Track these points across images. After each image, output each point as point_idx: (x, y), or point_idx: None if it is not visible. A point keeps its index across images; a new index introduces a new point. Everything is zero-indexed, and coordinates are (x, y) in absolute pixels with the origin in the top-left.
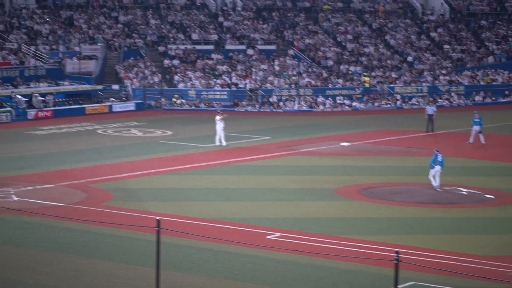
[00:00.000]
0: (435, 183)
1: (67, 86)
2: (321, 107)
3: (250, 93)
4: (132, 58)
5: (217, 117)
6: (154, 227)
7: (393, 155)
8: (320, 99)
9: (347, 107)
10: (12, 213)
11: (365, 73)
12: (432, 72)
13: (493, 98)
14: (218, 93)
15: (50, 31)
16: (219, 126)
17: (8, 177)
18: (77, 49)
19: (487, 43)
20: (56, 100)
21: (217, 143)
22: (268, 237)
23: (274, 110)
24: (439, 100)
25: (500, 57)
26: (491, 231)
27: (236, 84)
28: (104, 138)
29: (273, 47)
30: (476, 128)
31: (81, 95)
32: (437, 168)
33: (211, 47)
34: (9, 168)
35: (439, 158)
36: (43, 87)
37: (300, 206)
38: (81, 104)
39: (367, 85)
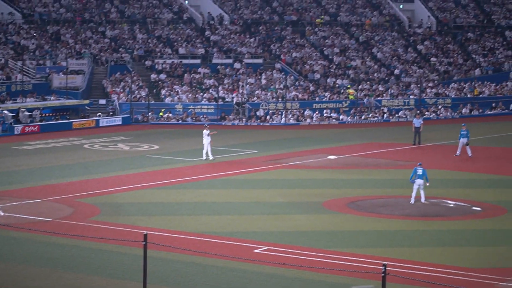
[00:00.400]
0: (422, 197)
1: (54, 101)
2: (308, 120)
3: (237, 107)
4: (119, 72)
5: (204, 131)
6: (141, 242)
7: (380, 168)
8: (307, 112)
9: (334, 120)
10: None
11: (349, 86)
12: (419, 85)
13: (480, 111)
14: (205, 107)
15: (37, 46)
16: (206, 140)
17: None
18: (64, 64)
19: (474, 56)
20: (43, 115)
21: (204, 157)
22: (256, 250)
23: (261, 123)
24: (426, 112)
25: (487, 69)
26: (479, 243)
27: (223, 98)
28: (91, 152)
29: (260, 61)
30: (463, 140)
31: (68, 110)
32: (419, 181)
33: (198, 61)
34: None
35: (419, 171)
36: (30, 102)
37: (288, 219)
38: (68, 119)
39: (351, 97)
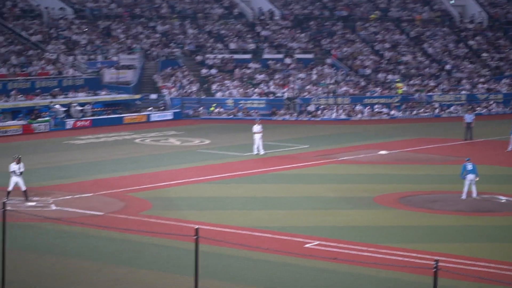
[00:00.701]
0: (473, 192)
1: (105, 96)
2: (359, 115)
3: (288, 102)
4: (170, 67)
5: (255, 126)
6: (193, 236)
7: (431, 164)
8: (358, 107)
9: (385, 115)
10: (51, 223)
11: (397, 80)
12: (470, 80)
13: None
14: (256, 102)
15: (88, 41)
16: (257, 135)
17: (47, 187)
18: (115, 59)
19: None
20: (94, 109)
21: (255, 152)
22: (307, 245)
23: (312, 118)
24: (478, 108)
25: None
26: None
27: (274, 93)
28: (142, 147)
29: (310, 56)
30: None
31: (119, 104)
32: (470, 177)
33: (249, 56)
34: (47, 178)
35: (469, 167)
36: (81, 97)
37: (338, 214)
38: (119, 113)
39: (400, 91)
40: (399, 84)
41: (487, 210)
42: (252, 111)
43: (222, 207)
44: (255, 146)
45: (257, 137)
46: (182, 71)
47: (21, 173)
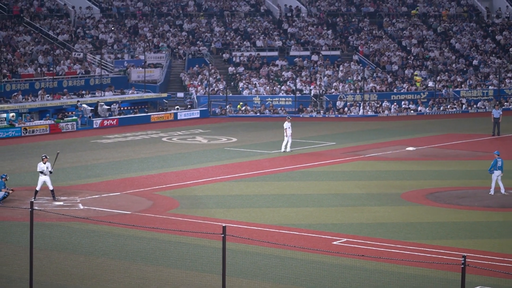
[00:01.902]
0: (501, 188)
1: (132, 95)
2: (386, 112)
3: (315, 99)
4: (196, 65)
5: (286, 123)
6: (220, 234)
7: (459, 159)
8: (385, 104)
9: (412, 111)
10: (78, 222)
11: (415, 73)
12: (498, 75)
13: None
14: (283, 99)
15: (115, 40)
16: (288, 132)
17: (75, 186)
18: (142, 57)
19: None
20: (121, 108)
21: (283, 149)
22: (334, 242)
23: (339, 115)
24: (505, 103)
25: None
26: None
27: (301, 90)
28: (169, 145)
29: (337, 52)
30: None
31: (146, 103)
32: (497, 172)
33: (275, 53)
34: (75, 177)
35: (499, 163)
36: (109, 95)
37: (366, 211)
38: (146, 112)
39: (418, 84)
40: (417, 78)
41: None
42: (279, 109)
43: (249, 205)
44: (284, 143)
45: (288, 134)
46: (208, 69)
47: (50, 172)
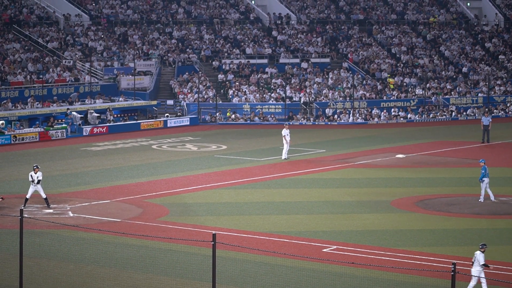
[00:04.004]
0: (491, 195)
1: (122, 102)
2: (376, 119)
3: (304, 107)
4: (186, 73)
5: (284, 130)
6: (210, 242)
7: (448, 166)
8: (375, 111)
9: (402, 118)
10: (68, 229)
11: (388, 75)
12: (487, 83)
13: None
14: (273, 107)
15: (105, 48)
16: (287, 139)
17: (64, 194)
18: (131, 65)
19: None
20: (114, 116)
21: (283, 157)
22: (324, 250)
23: (328, 123)
24: (495, 110)
25: None
26: None
27: (290, 98)
28: (159, 153)
29: (327, 60)
30: None
31: (136, 110)
32: (487, 180)
33: (265, 61)
34: (65, 185)
35: (487, 170)
36: (98, 103)
37: (356, 218)
38: (136, 119)
39: (391, 86)
40: (391, 80)
41: (504, 212)
42: (269, 116)
43: (239, 212)
44: (285, 151)
45: (288, 140)
46: (198, 77)
47: (38, 181)
